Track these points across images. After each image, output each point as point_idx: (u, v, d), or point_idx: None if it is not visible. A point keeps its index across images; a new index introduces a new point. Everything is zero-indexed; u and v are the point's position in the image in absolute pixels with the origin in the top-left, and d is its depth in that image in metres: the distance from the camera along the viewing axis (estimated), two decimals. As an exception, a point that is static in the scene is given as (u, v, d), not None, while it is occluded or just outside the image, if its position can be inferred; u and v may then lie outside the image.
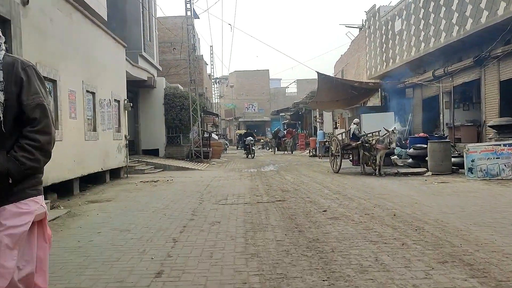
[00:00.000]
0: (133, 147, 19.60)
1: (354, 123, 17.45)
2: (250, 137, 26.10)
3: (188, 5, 19.98)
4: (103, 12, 12.75)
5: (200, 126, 21.85)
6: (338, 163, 13.87)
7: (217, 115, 39.68)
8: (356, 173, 13.58)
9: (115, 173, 12.68)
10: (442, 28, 17.25)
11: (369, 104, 28.82)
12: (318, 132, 25.73)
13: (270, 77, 62.51)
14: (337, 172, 13.81)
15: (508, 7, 13.01)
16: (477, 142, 16.33)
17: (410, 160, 14.24)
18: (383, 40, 24.67)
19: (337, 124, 27.65)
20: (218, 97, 54.33)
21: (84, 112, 9.65)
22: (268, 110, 59.44)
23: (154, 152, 20.18)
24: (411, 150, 14.08)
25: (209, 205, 7.65)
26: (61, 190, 9.02)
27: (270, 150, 38.50)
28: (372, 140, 12.70)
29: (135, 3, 19.57)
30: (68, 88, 8.78)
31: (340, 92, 24.66)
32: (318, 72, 22.80)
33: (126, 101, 13.24)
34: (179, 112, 20.15)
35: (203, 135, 22.36)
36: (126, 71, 15.16)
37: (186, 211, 7.09)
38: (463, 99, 19.47)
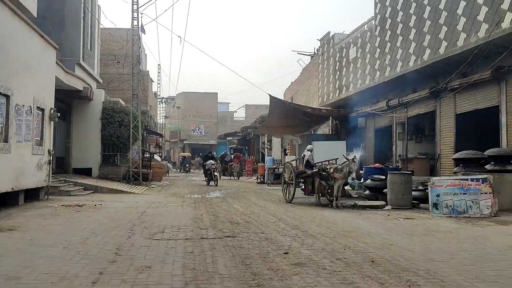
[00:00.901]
0: (62, 165, 17.40)
1: (308, 150, 16.49)
2: (211, 161, 21.94)
3: (135, 14, 18.46)
4: (32, 6, 10.99)
5: (141, 146, 20.00)
6: (292, 192, 12.70)
7: (161, 135, 37.66)
8: (311, 204, 12.45)
9: (32, 194, 10.66)
10: (399, 58, 16.94)
11: (319, 132, 28.36)
12: (267, 158, 24.66)
13: (218, 101, 61.39)
14: (290, 202, 12.62)
15: (468, 38, 12.74)
16: (431, 175, 15.92)
17: (367, 191, 13.37)
18: (336, 68, 24.36)
19: (287, 151, 26.78)
20: (163, 117, 52.23)
21: (-9, 117, 7.80)
22: (215, 134, 58.05)
23: (87, 172, 18.04)
24: (369, 181, 13.23)
25: (140, 240, 6.07)
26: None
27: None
28: (330, 168, 11.68)
29: (75, 5, 17.76)
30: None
31: (292, 118, 23.88)
32: (270, 95, 21.89)
33: (53, 110, 11.34)
34: (118, 129, 18.26)
35: (143, 155, 20.49)
36: (57, 78, 13.27)
37: (109, 247, 5.48)
38: (416, 131, 19.24)
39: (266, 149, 34.27)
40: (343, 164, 11.68)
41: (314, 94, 29.32)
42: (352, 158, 11.70)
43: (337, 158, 13.25)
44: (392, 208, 10.95)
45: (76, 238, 6.04)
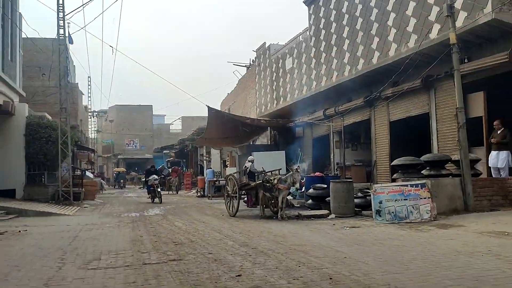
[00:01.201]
0: (-21, 187, 15.71)
1: (249, 161, 16.19)
2: (155, 176, 19.96)
3: (61, 22, 17.24)
4: None
5: (71, 163, 18.65)
6: (235, 206, 12.33)
7: (93, 151, 35.74)
8: (255, 216, 12.18)
9: None
10: (334, 68, 17.32)
11: (258, 142, 28.36)
12: (207, 170, 24.16)
13: (154, 113, 59.73)
14: (234, 216, 12.25)
15: (399, 49, 13.25)
16: (367, 182, 16.32)
17: (309, 201, 13.34)
18: (273, 78, 24.51)
19: (227, 163, 26.41)
20: (95, 131, 49.77)
21: None
22: (151, 147, 56.31)
23: (9, 193, 16.43)
24: (311, 190, 13.20)
25: (72, 271, 5.39)
26: None
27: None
28: (274, 179, 11.47)
29: (-9, 13, 16.28)
30: None
31: (230, 129, 23.61)
32: (208, 107, 21.48)
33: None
34: (45, 145, 16.87)
35: (74, 173, 19.13)
36: (-29, 91, 11.96)
37: (34, 284, 4.77)
38: (352, 139, 19.73)
39: (205, 161, 33.68)
40: (287, 175, 11.54)
41: (251, 105, 29.33)
42: (296, 168, 11.62)
43: (280, 169, 13.12)
44: (336, 216, 10.94)
45: (-6, 274, 5.23)
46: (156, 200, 18.98)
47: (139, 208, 16.38)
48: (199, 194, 24.28)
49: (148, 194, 19.88)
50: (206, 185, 23.51)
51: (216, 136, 24.74)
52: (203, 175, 26.88)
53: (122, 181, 43.05)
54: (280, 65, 23.72)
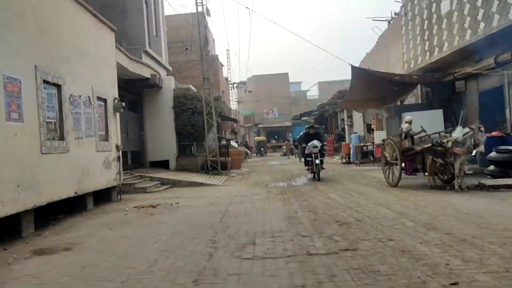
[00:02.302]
0: (138, 159, 16.61)
1: (406, 122, 14.03)
2: (315, 142, 13.65)
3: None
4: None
5: (217, 133, 18.72)
6: (397, 174, 10.48)
7: (235, 121, 36.59)
8: (421, 186, 10.20)
9: (103, 196, 9.60)
10: (511, 1, 13.73)
11: (406, 102, 25.34)
12: (352, 135, 22.32)
13: (290, 81, 59.24)
14: (395, 186, 10.44)
15: None
16: None
17: (491, 167, 10.73)
18: (424, 27, 21.16)
19: (372, 126, 24.14)
20: (236, 102, 51.32)
21: (40, 112, 6.56)
22: (289, 115, 56.14)
23: (164, 164, 17.13)
24: (493, 153, 10.59)
25: (225, 261, 4.42)
26: (3, 230, 5.97)
27: (294, 156, 35.17)
28: (447, 142, 9.28)
29: (136, -9, 16.68)
30: (2, 73, 5.71)
31: (376, 89, 21.16)
32: (352, 65, 19.43)
33: (116, 100, 10.15)
34: (192, 117, 17.05)
35: (220, 143, 19.22)
36: (121, 65, 12.16)
37: (183, 279, 3.88)
38: (536, 89, 15.85)
39: (346, 126, 31.75)
40: (466, 136, 9.22)
41: (395, 62, 26.15)
42: (479, 127, 9.22)
43: (451, 129, 10.78)
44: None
45: (141, 262, 4.53)
46: (316, 177, 13.48)
47: (285, 177, 15.55)
48: (344, 160, 22.68)
49: (306, 165, 14.37)
50: (351, 151, 21.79)
51: (360, 98, 22.58)
52: (344, 141, 25.15)
53: (262, 149, 44.61)
54: (433, 10, 20.24)
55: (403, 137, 11.35)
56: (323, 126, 40.57)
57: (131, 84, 14.97)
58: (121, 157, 10.26)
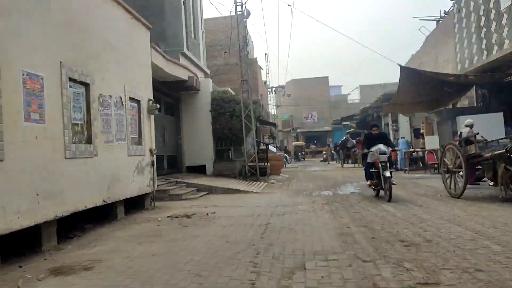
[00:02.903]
0: (174, 164, 16.06)
1: (466, 125, 12.74)
2: (381, 146, 9.84)
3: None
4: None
5: (255, 137, 17.92)
6: (461, 184, 9.23)
7: (274, 125, 35.72)
8: (490, 198, 8.93)
9: (136, 203, 8.97)
10: None
11: (458, 105, 23.62)
12: (400, 140, 20.91)
13: (330, 84, 57.80)
14: (458, 197, 9.21)
15: None
16: None
17: None
18: (481, 24, 19.54)
19: (422, 130, 22.58)
20: (274, 106, 50.46)
21: (64, 112, 5.94)
22: (329, 119, 54.65)
23: (201, 169, 16.50)
24: None
25: (271, 293, 3.54)
26: (24, 243, 5.36)
27: (335, 162, 33.85)
28: (525, 147, 8.00)
29: (174, -7, 16.20)
30: (21, 68, 5.10)
31: (426, 91, 19.70)
32: (400, 66, 18.15)
33: (151, 102, 9.51)
34: (229, 120, 16.35)
35: (258, 147, 18.40)
36: (157, 66, 11.60)
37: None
38: None
39: (391, 131, 30.16)
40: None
41: (444, 63, 24.45)
42: None
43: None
44: None
45: (170, 289, 3.71)
46: (382, 193, 10.00)
47: (329, 184, 14.50)
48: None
49: (368, 179, 10.35)
50: (399, 157, 20.38)
51: (408, 101, 21.14)
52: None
53: (300, 154, 43.74)
54: (491, 5, 18.63)
55: (463, 143, 10.10)
56: (365, 131, 39.00)
57: (168, 86, 14.43)
58: (155, 162, 9.60)
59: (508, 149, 8.16)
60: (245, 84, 16.54)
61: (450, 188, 9.83)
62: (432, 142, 18.25)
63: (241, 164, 17.14)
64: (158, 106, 9.75)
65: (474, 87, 21.34)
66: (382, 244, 5.19)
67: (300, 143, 49.65)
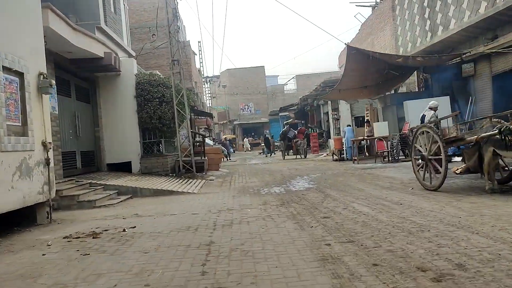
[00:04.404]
0: (92, 161, 13.34)
1: (430, 108, 11.43)
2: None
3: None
4: None
5: (190, 128, 15.58)
6: (443, 173, 7.67)
7: (211, 115, 33.40)
8: (474, 189, 7.47)
9: (24, 217, 6.40)
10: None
11: (400, 90, 22.91)
12: (346, 128, 19.57)
13: (266, 74, 56.32)
14: (436, 190, 7.67)
15: None
16: None
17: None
18: (424, 4, 18.66)
19: (367, 118, 21.47)
20: (209, 97, 48.06)
21: None
22: (266, 111, 53.25)
23: (126, 167, 13.91)
24: None
25: None
26: None
27: (265, 155, 32.28)
28: (519, 128, 6.54)
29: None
30: None
31: (372, 75, 18.53)
32: (348, 45, 16.76)
33: (42, 76, 6.90)
34: (159, 107, 13.88)
35: (194, 140, 16.10)
36: (63, 38, 9.04)
37: None
38: None
39: (332, 120, 29.11)
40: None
41: (381, 50, 23.59)
42: None
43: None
44: None
45: None
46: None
47: (276, 179, 12.62)
48: (335, 157, 19.95)
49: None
50: (345, 146, 19.06)
51: (353, 86, 19.89)
52: (338, 135, 22.49)
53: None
54: (437, -17, 17.77)
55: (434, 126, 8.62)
56: (302, 122, 37.92)
57: (80, 65, 11.70)
58: (51, 160, 7.02)
59: (502, 130, 6.66)
60: (176, 65, 14.10)
61: (424, 180, 8.29)
62: (381, 128, 17.04)
63: (174, 160, 14.75)
64: (53, 83, 7.13)
65: (415, 72, 20.60)
66: (396, 277, 3.27)
67: (231, 136, 47.46)
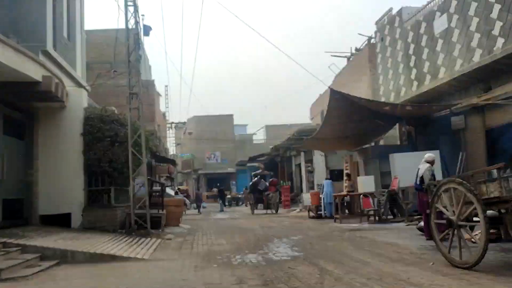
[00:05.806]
0: (20, 212, 10.69)
1: (427, 161, 9.62)
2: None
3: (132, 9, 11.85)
4: None
5: (147, 174, 13.14)
6: (481, 246, 5.66)
7: (173, 162, 30.86)
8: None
9: None
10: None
11: (381, 143, 21.47)
12: (325, 182, 17.65)
13: (234, 123, 54.74)
14: (470, 268, 5.64)
15: None
16: None
17: None
18: (409, 52, 17.62)
19: (345, 170, 19.66)
20: (175, 145, 45.63)
21: None
22: (233, 160, 51.06)
23: (64, 220, 11.25)
24: None
25: None
26: None
27: (244, 206, 29.86)
28: None
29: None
30: None
31: (354, 124, 16.99)
32: (332, 89, 15.13)
33: None
34: (110, 148, 11.51)
35: (151, 188, 13.62)
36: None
37: None
38: None
39: (305, 173, 27.28)
40: None
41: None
42: None
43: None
44: None
45: None
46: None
47: (250, 241, 10.28)
48: (312, 214, 17.86)
49: None
50: (324, 201, 17.06)
51: (333, 135, 18.27)
52: (315, 190, 20.52)
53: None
54: (422, 31, 16.82)
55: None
56: (271, 173, 35.99)
57: (10, 89, 9.33)
58: None
59: None
60: (134, 99, 11.90)
61: (449, 253, 6.26)
62: (366, 183, 15.18)
63: (125, 212, 12.19)
64: None
65: (397, 125, 19.30)
66: None
67: (185, 187, 43.36)
